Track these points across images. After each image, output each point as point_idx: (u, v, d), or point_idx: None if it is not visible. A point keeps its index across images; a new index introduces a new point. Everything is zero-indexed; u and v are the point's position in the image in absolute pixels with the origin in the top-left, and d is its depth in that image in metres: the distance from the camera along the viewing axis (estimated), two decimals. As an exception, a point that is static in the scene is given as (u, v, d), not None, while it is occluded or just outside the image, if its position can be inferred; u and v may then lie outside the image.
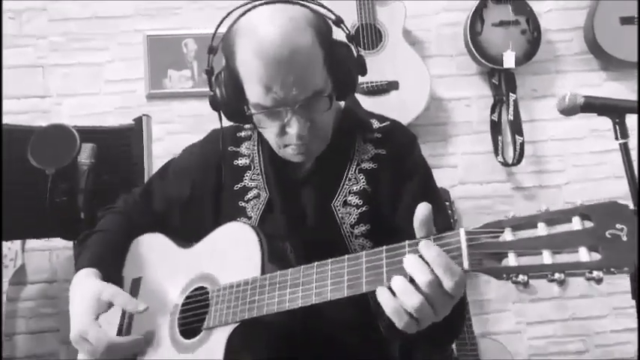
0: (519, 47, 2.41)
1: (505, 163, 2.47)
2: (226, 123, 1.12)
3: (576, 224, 0.67)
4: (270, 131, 1.04)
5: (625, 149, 1.22)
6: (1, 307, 2.12)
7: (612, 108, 1.23)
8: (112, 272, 1.14)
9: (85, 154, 1.76)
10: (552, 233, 0.68)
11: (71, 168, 1.75)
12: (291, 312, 0.96)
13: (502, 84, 2.48)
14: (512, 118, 2.46)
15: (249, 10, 0.98)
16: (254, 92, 0.98)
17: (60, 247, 2.34)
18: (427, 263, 0.74)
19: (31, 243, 2.32)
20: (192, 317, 1.03)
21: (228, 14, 1.01)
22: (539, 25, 2.43)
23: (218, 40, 1.03)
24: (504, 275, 0.70)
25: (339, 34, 1.05)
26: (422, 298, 0.74)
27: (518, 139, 2.43)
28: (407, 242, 0.79)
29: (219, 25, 1.02)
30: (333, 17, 1.03)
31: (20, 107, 2.41)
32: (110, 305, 1.04)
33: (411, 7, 2.43)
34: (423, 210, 0.78)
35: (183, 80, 2.48)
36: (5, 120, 2.02)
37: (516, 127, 2.45)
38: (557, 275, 0.66)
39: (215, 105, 1.06)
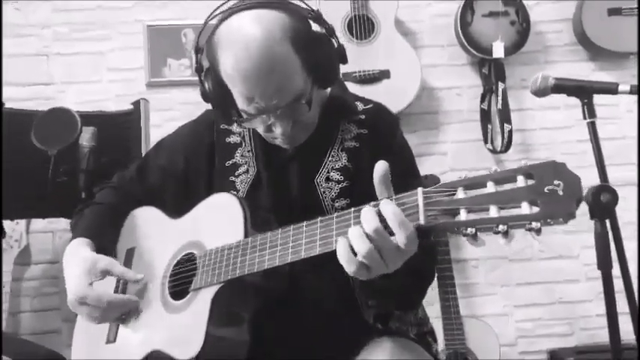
0: (508, 38, 2.47)
1: (494, 151, 2.53)
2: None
3: (520, 182, 0.74)
4: (258, 129, 1.12)
5: (592, 128, 1.29)
6: (1, 285, 2.19)
7: (581, 89, 1.31)
8: (105, 243, 1.20)
9: (86, 137, 1.83)
10: (499, 191, 0.75)
11: (72, 150, 1.82)
12: (277, 277, 1.03)
13: (492, 74, 2.54)
14: (500, 107, 2.52)
15: (229, 15, 1.03)
16: (238, 100, 1.05)
17: (62, 228, 2.42)
18: (378, 216, 0.81)
19: (35, 225, 2.40)
20: (182, 280, 1.10)
21: (208, 20, 1.07)
22: (528, 16, 2.49)
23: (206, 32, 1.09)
24: (455, 229, 0.76)
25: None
26: (370, 244, 0.81)
27: (507, 127, 2.50)
28: (372, 203, 0.85)
29: (200, 32, 1.09)
30: (311, 13, 1.08)
31: (25, 94, 2.48)
32: (105, 274, 1.10)
33: (404, -2, 2.50)
34: (381, 166, 0.85)
35: (182, 69, 2.56)
36: (11, 106, 2.10)
37: (505, 116, 2.52)
38: (500, 227, 0.73)
39: (206, 99, 1.12)
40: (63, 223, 2.39)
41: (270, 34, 0.99)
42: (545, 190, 0.71)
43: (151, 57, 2.54)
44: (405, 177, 1.12)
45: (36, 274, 2.43)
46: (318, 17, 1.09)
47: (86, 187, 1.79)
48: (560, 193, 0.71)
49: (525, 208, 0.72)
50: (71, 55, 2.55)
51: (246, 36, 1.00)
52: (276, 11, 1.02)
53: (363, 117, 1.19)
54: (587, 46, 2.60)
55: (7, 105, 2.06)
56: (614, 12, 2.48)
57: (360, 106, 1.21)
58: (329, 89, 1.21)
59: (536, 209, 0.71)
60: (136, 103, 1.93)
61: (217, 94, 1.08)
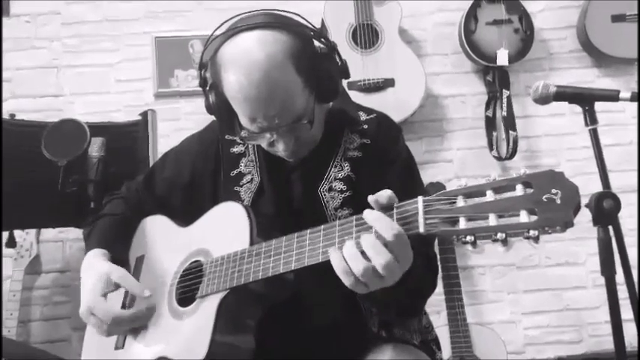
0: (512, 45, 2.49)
1: (499, 158, 2.54)
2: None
3: (519, 191, 0.75)
4: (261, 144, 1.14)
5: (594, 134, 1.30)
6: (1, 288, 2.22)
7: (582, 96, 1.32)
8: (119, 252, 1.23)
9: (95, 147, 1.86)
10: (498, 199, 0.76)
11: (82, 160, 1.85)
12: (279, 284, 1.05)
13: (496, 81, 2.55)
14: (505, 114, 2.53)
15: (232, 35, 1.04)
16: (241, 119, 1.08)
17: (72, 238, 2.45)
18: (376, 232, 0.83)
19: (46, 234, 2.43)
20: (189, 288, 1.12)
21: (211, 38, 1.08)
22: (532, 24, 2.50)
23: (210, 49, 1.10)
24: (454, 236, 0.78)
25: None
26: (366, 263, 0.83)
27: (512, 134, 2.50)
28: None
29: (204, 49, 1.10)
30: (312, 32, 1.09)
31: (35, 106, 2.52)
32: (118, 287, 1.13)
33: (407, 7, 2.51)
34: (384, 195, 0.87)
35: (189, 80, 2.59)
36: (21, 117, 2.14)
37: (509, 123, 2.52)
38: (499, 235, 0.75)
39: (210, 111, 1.14)
40: (73, 233, 2.43)
41: (272, 58, 1.01)
42: (544, 198, 0.73)
43: (159, 68, 2.57)
44: (408, 186, 1.13)
45: (46, 283, 2.46)
46: (320, 35, 1.11)
47: (95, 197, 1.82)
48: (558, 201, 0.72)
49: (524, 217, 0.73)
50: (80, 67, 2.59)
51: (249, 60, 1.01)
52: (278, 32, 1.03)
53: (365, 127, 1.20)
54: (592, 53, 2.61)
55: (18, 117, 2.11)
56: (618, 18, 2.48)
57: (362, 116, 1.22)
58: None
59: (534, 218, 0.73)
60: (144, 114, 1.96)
61: (221, 108, 1.10)
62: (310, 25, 1.10)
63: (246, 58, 1.02)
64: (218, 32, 1.09)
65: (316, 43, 1.10)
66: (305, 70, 1.04)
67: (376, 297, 0.92)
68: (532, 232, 0.73)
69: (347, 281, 0.87)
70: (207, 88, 1.12)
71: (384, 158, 1.17)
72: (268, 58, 1.01)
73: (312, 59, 1.07)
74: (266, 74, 1.00)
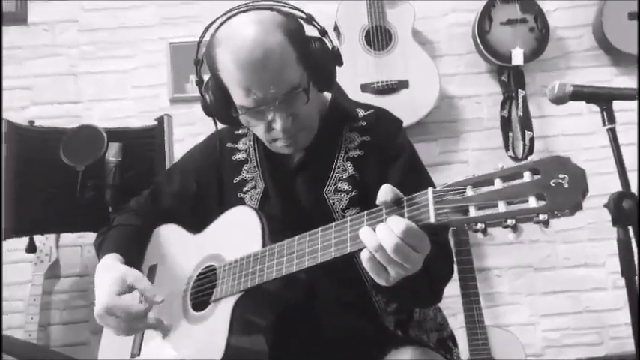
0: (527, 45, 2.46)
1: (515, 158, 2.51)
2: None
3: (527, 178, 0.75)
4: (258, 129, 1.13)
5: (612, 134, 1.28)
6: (1, 289, 2.24)
7: (599, 95, 1.30)
8: (133, 259, 1.23)
9: (113, 153, 1.89)
10: (506, 187, 0.77)
11: (99, 165, 1.88)
12: (293, 285, 1.05)
13: (511, 81, 2.53)
14: (521, 114, 2.51)
15: (226, 20, 1.08)
16: (236, 95, 1.08)
17: (91, 242, 2.47)
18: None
19: (65, 239, 2.47)
20: (203, 292, 1.13)
21: (208, 27, 1.11)
22: (547, 23, 2.48)
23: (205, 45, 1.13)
24: (465, 225, 0.78)
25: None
26: (398, 238, 0.82)
27: (528, 134, 2.48)
28: (383, 207, 0.87)
29: (201, 38, 1.13)
30: (303, 16, 1.12)
31: (55, 112, 2.57)
32: (132, 289, 1.11)
33: (420, 8, 2.52)
34: (384, 190, 0.86)
35: (204, 84, 2.61)
36: (41, 124, 2.18)
37: (525, 123, 2.50)
38: (509, 221, 0.75)
39: (207, 111, 1.16)
40: (91, 237, 2.41)
41: (264, 27, 1.04)
42: (551, 183, 0.73)
43: (174, 73, 2.59)
44: (414, 181, 1.12)
45: (65, 287, 2.49)
46: (310, 19, 1.13)
47: (113, 202, 1.85)
48: (566, 185, 0.72)
49: (532, 202, 0.74)
50: (97, 74, 2.63)
51: (242, 31, 1.04)
52: (270, 12, 1.07)
53: (364, 124, 1.20)
54: (609, 51, 2.58)
55: (37, 123, 2.14)
56: (634, 16, 2.45)
57: (360, 112, 1.22)
58: (329, 96, 1.23)
59: (542, 203, 0.73)
60: (160, 119, 1.99)
61: (217, 97, 1.12)
62: (301, 12, 1.12)
63: (239, 31, 1.05)
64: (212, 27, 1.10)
65: (309, 30, 1.12)
66: (297, 45, 1.07)
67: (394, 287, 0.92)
68: (542, 217, 0.73)
69: (372, 265, 0.85)
70: (204, 85, 1.14)
71: (387, 156, 1.16)
72: (260, 27, 1.04)
73: (304, 38, 1.09)
74: (259, 41, 1.03)
